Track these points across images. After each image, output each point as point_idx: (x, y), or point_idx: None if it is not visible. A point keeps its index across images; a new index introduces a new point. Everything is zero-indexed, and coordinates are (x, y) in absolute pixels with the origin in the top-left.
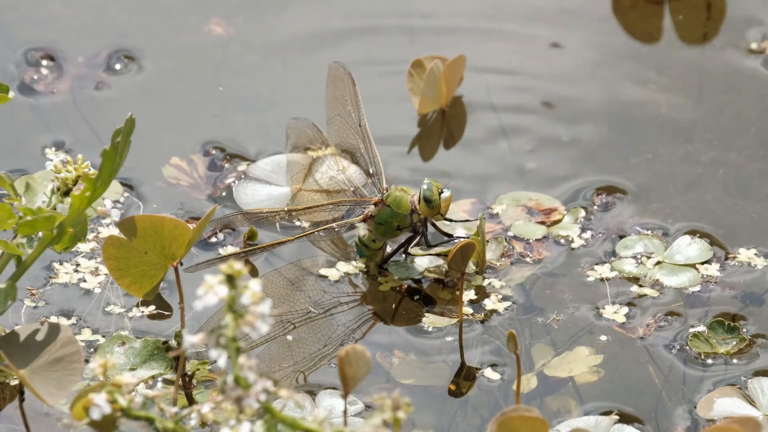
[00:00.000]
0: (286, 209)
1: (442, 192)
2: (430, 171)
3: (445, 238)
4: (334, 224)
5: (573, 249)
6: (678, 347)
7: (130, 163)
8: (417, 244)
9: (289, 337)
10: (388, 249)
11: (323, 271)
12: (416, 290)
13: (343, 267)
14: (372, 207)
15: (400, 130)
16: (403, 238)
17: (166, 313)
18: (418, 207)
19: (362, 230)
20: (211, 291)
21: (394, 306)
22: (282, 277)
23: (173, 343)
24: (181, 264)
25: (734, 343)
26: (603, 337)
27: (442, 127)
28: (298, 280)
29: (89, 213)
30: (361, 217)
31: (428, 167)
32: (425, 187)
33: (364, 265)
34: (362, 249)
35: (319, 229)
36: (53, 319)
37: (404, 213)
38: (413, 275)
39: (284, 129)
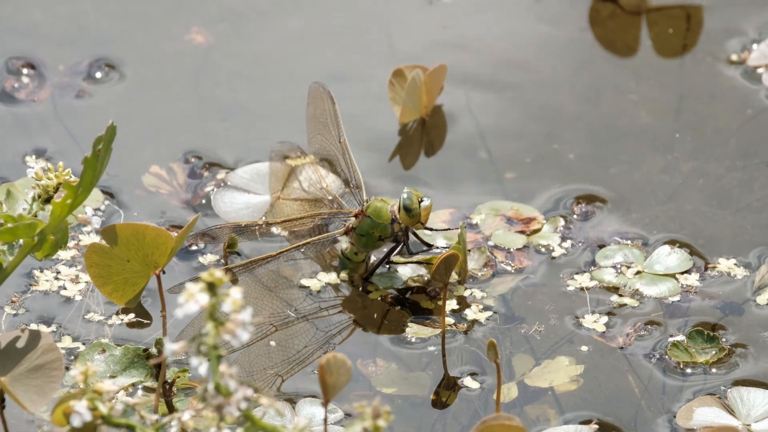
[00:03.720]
0: (265, 222)
1: (422, 201)
2: (410, 180)
3: (425, 247)
4: (316, 238)
5: (554, 258)
6: (657, 357)
7: (110, 171)
8: (399, 253)
9: (272, 343)
10: (373, 259)
11: (305, 282)
12: (400, 300)
13: (325, 277)
14: (353, 219)
15: (380, 139)
16: (385, 249)
17: (146, 321)
18: (398, 216)
19: (344, 243)
20: (192, 299)
21: (376, 315)
22: (263, 285)
23: (153, 350)
24: (164, 272)
25: (713, 352)
26: (583, 347)
27: (422, 136)
28: (279, 288)
29: (70, 220)
30: (342, 230)
31: (409, 176)
32: (405, 196)
33: (347, 277)
34: (345, 262)
35: (301, 243)
36: (34, 326)
37: (385, 223)
38: (396, 285)
39: (264, 137)
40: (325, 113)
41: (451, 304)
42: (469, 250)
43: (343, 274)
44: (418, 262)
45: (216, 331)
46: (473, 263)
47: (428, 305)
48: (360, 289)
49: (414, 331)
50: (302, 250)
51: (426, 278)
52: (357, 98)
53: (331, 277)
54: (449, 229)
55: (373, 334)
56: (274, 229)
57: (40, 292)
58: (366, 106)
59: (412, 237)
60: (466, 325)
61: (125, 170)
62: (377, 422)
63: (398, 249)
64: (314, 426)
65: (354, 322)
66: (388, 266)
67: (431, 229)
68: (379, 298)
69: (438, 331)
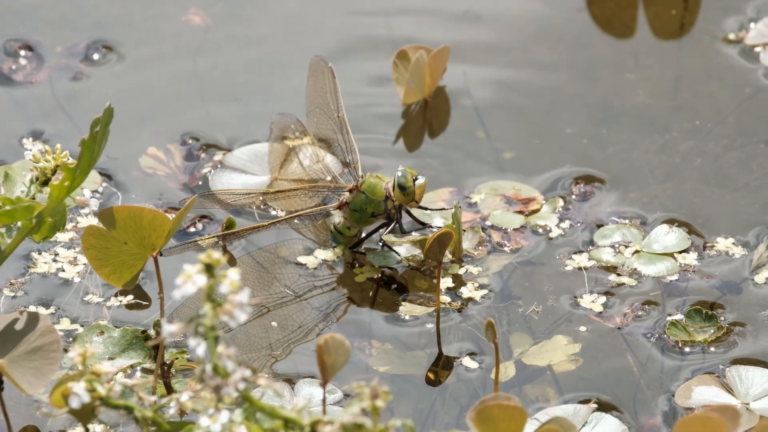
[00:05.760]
0: (260, 191)
1: (416, 179)
2: (413, 160)
3: (419, 226)
4: (309, 210)
5: (551, 238)
6: (656, 336)
7: (111, 154)
8: (391, 231)
9: (274, 323)
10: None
11: (301, 259)
12: (393, 279)
13: (321, 254)
14: (347, 194)
15: (383, 120)
16: (378, 224)
17: (144, 302)
18: (392, 194)
19: (337, 217)
20: (189, 280)
21: (371, 294)
22: (259, 264)
23: (152, 332)
24: (161, 254)
25: (712, 331)
26: (581, 327)
27: (425, 117)
28: (275, 266)
29: (68, 202)
30: (336, 204)
31: (412, 157)
32: (399, 173)
33: (341, 253)
34: (337, 236)
35: (294, 215)
36: (32, 308)
37: (379, 199)
38: (390, 263)
39: (262, 118)
40: (325, 87)
41: (446, 283)
42: (464, 230)
43: (338, 250)
44: (412, 242)
45: (214, 312)
46: (467, 243)
47: (422, 284)
48: (350, 265)
49: (408, 309)
50: (296, 221)
51: (420, 257)
52: (357, 78)
53: (328, 254)
54: (444, 208)
55: (368, 314)
56: (273, 211)
57: (38, 275)
58: (367, 87)
59: (406, 216)
60: (460, 303)
61: (123, 152)
62: (376, 402)
63: (390, 227)
64: (313, 406)
65: (350, 302)
66: (381, 246)
67: (426, 208)
68: (368, 279)
69: (432, 309)
